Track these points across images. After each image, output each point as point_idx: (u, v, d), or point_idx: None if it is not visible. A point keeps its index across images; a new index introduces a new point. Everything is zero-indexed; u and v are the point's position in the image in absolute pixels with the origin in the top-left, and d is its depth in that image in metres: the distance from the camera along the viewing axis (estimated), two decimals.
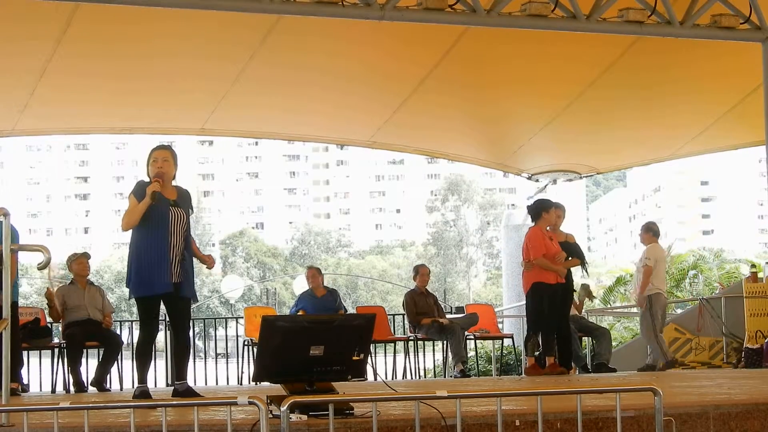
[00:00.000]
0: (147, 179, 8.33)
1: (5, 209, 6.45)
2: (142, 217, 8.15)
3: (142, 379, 8.37)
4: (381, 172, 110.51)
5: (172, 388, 8.47)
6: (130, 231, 8.29)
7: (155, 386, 12.81)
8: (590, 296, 15.52)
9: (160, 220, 8.18)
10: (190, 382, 8.80)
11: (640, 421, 6.15)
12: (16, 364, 10.43)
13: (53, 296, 11.87)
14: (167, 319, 8.76)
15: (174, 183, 8.40)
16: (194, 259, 8.45)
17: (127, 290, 8.47)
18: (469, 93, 15.08)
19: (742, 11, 11.64)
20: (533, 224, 12.47)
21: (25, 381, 11.74)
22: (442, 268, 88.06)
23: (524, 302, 12.74)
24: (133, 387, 9.60)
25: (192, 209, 8.49)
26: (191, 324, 17.07)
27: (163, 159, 8.32)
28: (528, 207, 12.87)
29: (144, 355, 8.40)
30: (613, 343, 15.91)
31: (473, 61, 13.72)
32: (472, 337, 14.28)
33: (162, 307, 8.42)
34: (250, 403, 5.13)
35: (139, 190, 8.23)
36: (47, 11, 11.32)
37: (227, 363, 16.30)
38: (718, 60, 13.83)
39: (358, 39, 12.88)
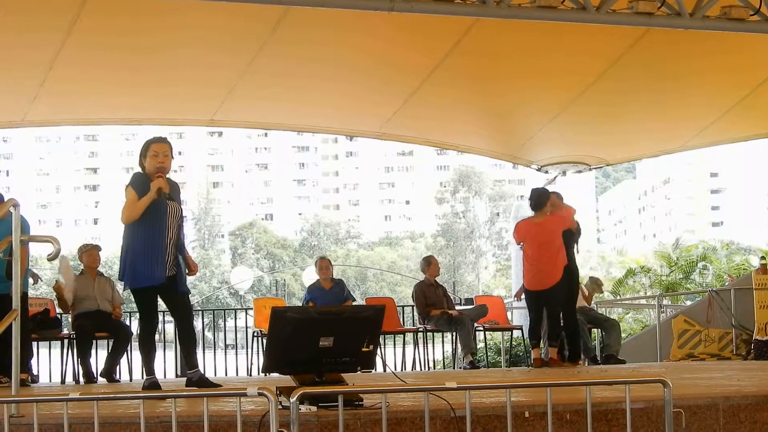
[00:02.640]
0: (140, 170, 8.34)
1: (15, 200, 6.47)
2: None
3: (150, 370, 8.39)
4: (390, 164, 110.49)
5: (186, 378, 8.47)
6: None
7: (164, 377, 12.84)
8: (599, 288, 15.52)
9: (159, 214, 8.18)
10: None
11: (650, 412, 6.14)
12: (26, 355, 10.46)
13: (62, 290, 11.88)
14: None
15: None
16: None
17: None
18: (478, 84, 15.04)
19: (752, 3, 11.58)
20: (540, 214, 12.46)
21: (34, 372, 11.78)
22: (452, 259, 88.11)
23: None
24: (142, 378, 9.62)
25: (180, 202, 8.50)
26: (201, 315, 17.19)
27: (164, 153, 8.31)
28: (531, 198, 12.79)
29: (147, 346, 8.40)
30: (623, 335, 15.91)
31: (482, 52, 13.68)
32: (482, 328, 14.28)
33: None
34: (260, 395, 5.14)
35: (140, 184, 8.22)
36: (57, 2, 11.32)
37: (236, 354, 16.32)
38: (728, 51, 13.77)
39: (367, 30, 12.85)
